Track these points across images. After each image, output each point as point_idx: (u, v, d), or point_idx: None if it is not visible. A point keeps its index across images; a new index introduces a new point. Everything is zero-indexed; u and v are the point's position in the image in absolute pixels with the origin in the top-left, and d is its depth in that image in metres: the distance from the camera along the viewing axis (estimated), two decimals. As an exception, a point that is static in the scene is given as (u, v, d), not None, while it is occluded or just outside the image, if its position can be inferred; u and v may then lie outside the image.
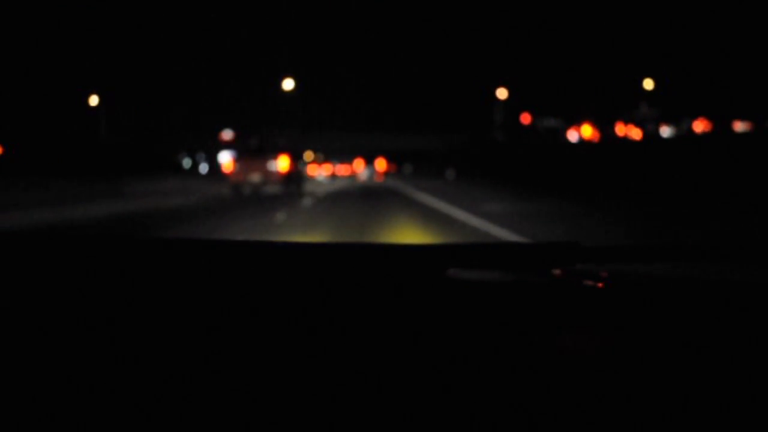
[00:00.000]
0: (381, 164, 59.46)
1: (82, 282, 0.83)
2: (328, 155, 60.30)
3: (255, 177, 18.55)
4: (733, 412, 0.57)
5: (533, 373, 0.63)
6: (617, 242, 0.89)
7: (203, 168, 44.46)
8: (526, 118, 51.37)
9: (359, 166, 62.41)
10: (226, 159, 21.71)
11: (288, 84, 41.05)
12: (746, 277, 0.81)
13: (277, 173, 18.86)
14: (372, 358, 0.65)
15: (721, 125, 33.04)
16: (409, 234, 8.28)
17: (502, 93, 45.90)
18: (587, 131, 43.92)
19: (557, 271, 0.85)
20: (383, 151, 54.89)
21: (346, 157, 64.62)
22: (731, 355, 0.64)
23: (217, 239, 0.99)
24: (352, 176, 56.76)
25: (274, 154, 19.10)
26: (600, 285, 0.82)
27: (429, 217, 10.77)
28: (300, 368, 0.64)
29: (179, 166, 44.39)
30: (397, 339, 0.68)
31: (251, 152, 19.54)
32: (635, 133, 40.01)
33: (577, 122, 46.50)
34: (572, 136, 45.77)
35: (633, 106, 43.18)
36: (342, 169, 64.85)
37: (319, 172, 50.65)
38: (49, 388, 0.62)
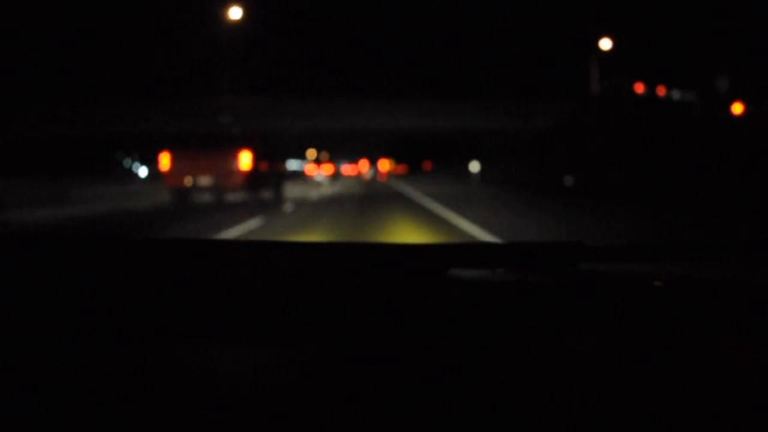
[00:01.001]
0: (384, 165, 65.23)
1: (77, 282, 0.82)
2: (335, 154, 60.10)
3: (202, 179, 13.59)
4: (734, 410, 0.59)
5: (536, 372, 0.64)
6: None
7: (142, 170, 36.10)
8: (639, 87, 33.76)
9: (364, 167, 66.87)
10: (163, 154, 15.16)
11: (235, 13, 22.53)
12: (746, 276, 0.81)
13: (237, 174, 13.61)
14: (374, 357, 0.67)
15: None
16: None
17: (605, 44, 27.69)
18: None
19: (560, 271, 0.85)
20: (420, 135, 37.26)
21: (355, 156, 67.71)
22: (733, 354, 0.66)
23: (219, 239, 1.17)
24: (358, 176, 59.06)
25: (232, 146, 13.96)
26: (603, 284, 0.83)
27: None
28: (301, 367, 0.65)
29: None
30: (400, 338, 0.69)
31: (197, 143, 14.45)
32: None
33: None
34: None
35: None
36: (348, 169, 66.76)
37: (318, 171, 44.21)
38: (47, 387, 0.63)
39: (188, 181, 13.80)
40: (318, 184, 29.72)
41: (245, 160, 13.85)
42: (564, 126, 23.27)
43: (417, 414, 0.59)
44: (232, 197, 14.12)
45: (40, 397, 0.61)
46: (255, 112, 21.18)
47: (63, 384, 0.63)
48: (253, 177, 13.94)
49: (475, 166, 35.75)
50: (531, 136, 25.60)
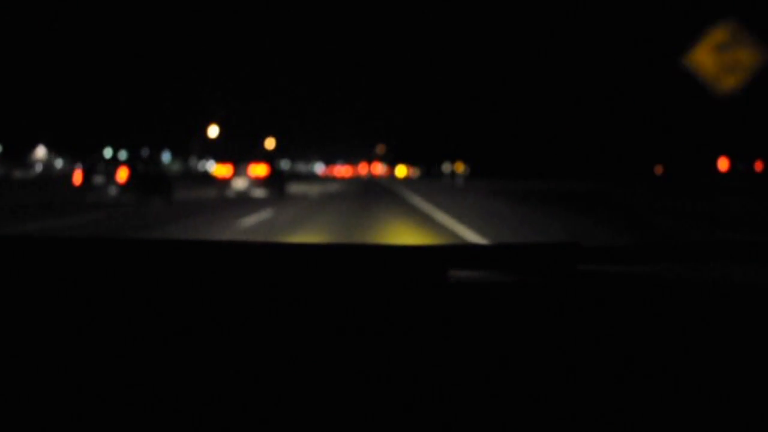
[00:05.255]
0: (376, 168, 70.33)
1: (74, 284, 0.81)
2: (324, 155, 57.44)
3: None
4: (732, 410, 0.59)
5: (534, 374, 0.64)
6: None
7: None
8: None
9: (363, 169, 71.90)
10: None
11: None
12: (747, 277, 0.81)
13: None
14: (372, 360, 0.66)
15: None
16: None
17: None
18: None
19: (558, 272, 0.85)
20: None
21: (355, 159, 74.27)
22: (731, 355, 0.66)
23: (215, 240, 0.99)
24: (354, 177, 60.84)
25: None
26: (601, 285, 0.83)
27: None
28: (299, 369, 0.65)
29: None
30: (397, 340, 0.69)
31: None
32: None
33: None
34: None
35: None
36: (342, 171, 70.45)
37: (237, 175, 21.09)
38: (47, 390, 0.63)
39: None
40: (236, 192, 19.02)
41: None
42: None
43: (415, 416, 0.59)
44: None
45: (35, 399, 0.61)
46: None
47: (55, 386, 0.64)
48: None
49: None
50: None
